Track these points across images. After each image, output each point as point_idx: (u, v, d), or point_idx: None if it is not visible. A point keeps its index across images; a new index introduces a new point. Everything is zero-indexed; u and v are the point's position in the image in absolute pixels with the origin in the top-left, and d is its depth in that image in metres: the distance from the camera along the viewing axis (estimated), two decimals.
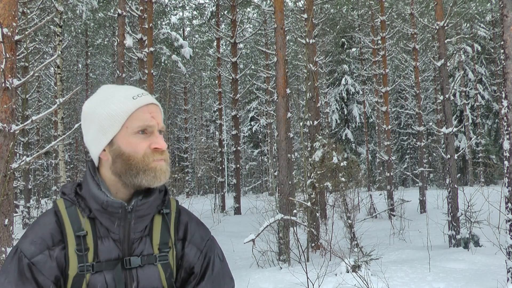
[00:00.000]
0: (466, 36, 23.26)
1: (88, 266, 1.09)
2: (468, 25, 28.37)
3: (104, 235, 1.12)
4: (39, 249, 1.09)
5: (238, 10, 21.15)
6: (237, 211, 18.89)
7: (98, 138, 1.13)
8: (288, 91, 10.03)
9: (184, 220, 1.23)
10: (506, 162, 5.68)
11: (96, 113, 1.13)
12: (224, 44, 28.22)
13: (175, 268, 1.18)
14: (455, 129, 9.88)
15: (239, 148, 19.67)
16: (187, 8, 27.17)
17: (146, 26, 14.48)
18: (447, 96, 9.70)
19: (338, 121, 29.72)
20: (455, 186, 9.53)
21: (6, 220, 4.55)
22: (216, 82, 23.34)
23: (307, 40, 11.66)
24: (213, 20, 23.83)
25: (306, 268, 6.27)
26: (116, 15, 10.81)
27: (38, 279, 1.07)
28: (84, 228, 1.11)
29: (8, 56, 4.52)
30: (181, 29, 28.39)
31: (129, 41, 12.97)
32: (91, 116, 1.14)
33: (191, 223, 1.23)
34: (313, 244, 10.01)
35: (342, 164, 9.85)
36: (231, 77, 19.35)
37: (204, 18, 26.45)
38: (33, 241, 1.10)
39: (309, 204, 8.97)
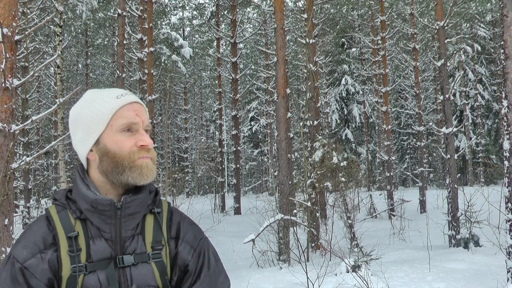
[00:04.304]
0: (466, 36, 23.27)
1: (81, 266, 1.10)
2: (468, 25, 28.36)
3: (96, 235, 1.13)
4: (31, 253, 1.10)
5: (238, 10, 21.15)
6: (237, 211, 18.89)
7: (85, 139, 1.15)
8: (288, 91, 10.02)
9: (177, 219, 1.24)
10: (506, 162, 5.68)
11: (82, 115, 1.16)
12: (224, 44, 28.21)
13: (169, 267, 1.18)
14: (455, 129, 9.87)
15: (239, 148, 19.67)
16: (187, 8, 27.18)
17: (146, 26, 14.48)
18: (447, 96, 9.70)
19: (338, 121, 29.70)
20: (455, 186, 9.53)
21: (6, 220, 4.55)
22: (216, 82, 23.35)
23: (307, 40, 11.66)
24: (213, 20, 23.83)
25: (306, 268, 6.27)
26: (116, 15, 10.81)
27: (31, 283, 1.09)
28: (75, 229, 1.12)
29: (8, 56, 4.52)
30: (181, 29, 28.39)
31: None
32: (77, 118, 1.17)
33: (184, 222, 1.24)
34: (313, 244, 10.01)
35: (342, 164, 9.85)
36: (231, 77, 19.35)
37: (204, 18, 26.45)
38: (25, 245, 1.11)
39: (309, 204, 8.97)
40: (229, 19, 20.51)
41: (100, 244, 1.12)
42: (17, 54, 4.97)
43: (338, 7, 24.03)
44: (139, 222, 1.17)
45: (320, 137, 10.71)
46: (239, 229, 13.45)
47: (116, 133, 1.13)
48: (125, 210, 1.13)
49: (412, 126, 29.36)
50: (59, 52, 11.05)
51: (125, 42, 11.41)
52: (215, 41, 24.36)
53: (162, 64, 21.02)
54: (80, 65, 29.05)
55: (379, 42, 18.23)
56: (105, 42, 27.21)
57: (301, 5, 21.37)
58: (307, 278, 6.12)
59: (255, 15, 26.97)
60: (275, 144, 17.96)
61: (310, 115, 12.08)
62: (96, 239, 1.13)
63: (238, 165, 19.47)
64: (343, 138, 29.41)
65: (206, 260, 1.22)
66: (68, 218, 1.14)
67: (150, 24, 14.43)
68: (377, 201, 17.17)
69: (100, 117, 1.13)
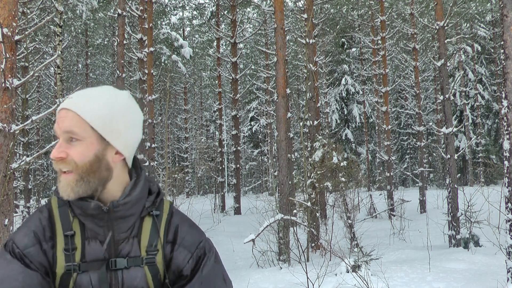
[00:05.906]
0: (466, 36, 23.26)
1: (75, 265, 1.09)
2: (468, 25, 28.37)
3: (92, 236, 1.12)
4: (31, 242, 1.10)
5: (238, 10, 21.15)
6: (237, 211, 18.89)
7: None
8: (288, 91, 10.03)
9: (176, 222, 1.20)
10: (506, 162, 5.68)
11: None
12: (224, 44, 28.22)
13: (163, 271, 1.16)
14: (455, 129, 9.88)
15: (239, 148, 19.67)
16: (187, 8, 27.19)
17: (146, 26, 14.49)
18: (447, 96, 9.70)
19: (338, 121, 29.71)
20: (455, 186, 9.54)
21: (6, 220, 4.55)
22: (216, 82, 23.36)
23: (307, 40, 11.67)
24: (213, 20, 23.84)
25: (306, 268, 6.27)
26: (116, 15, 10.81)
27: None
28: (73, 228, 1.12)
29: (8, 56, 4.52)
30: (181, 29, 28.39)
31: None
32: None
33: (183, 226, 1.20)
34: (313, 244, 10.01)
35: (342, 164, 9.85)
36: (231, 77, 19.36)
37: (204, 18, 26.46)
38: (26, 233, 1.11)
39: (309, 204, 8.97)
40: (229, 19, 20.51)
41: (95, 245, 1.11)
42: (17, 54, 4.98)
43: (338, 7, 24.05)
44: (135, 225, 1.15)
45: (320, 137, 10.71)
46: (239, 229, 13.44)
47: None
48: (114, 214, 1.11)
49: (412, 126, 29.35)
50: (59, 52, 11.06)
51: (125, 42, 11.41)
52: (215, 41, 24.37)
53: (162, 64, 21.04)
54: (80, 65, 29.05)
55: (379, 42, 18.23)
56: (105, 42, 27.22)
57: (301, 5, 21.38)
58: (307, 278, 6.12)
59: (255, 15, 26.99)
60: (275, 144, 17.96)
61: (310, 115, 12.08)
62: (91, 240, 1.12)
63: (238, 165, 19.48)
64: (343, 138, 29.42)
65: (202, 263, 1.17)
66: (68, 214, 1.13)
67: (150, 24, 14.43)
68: (377, 201, 17.17)
69: None
